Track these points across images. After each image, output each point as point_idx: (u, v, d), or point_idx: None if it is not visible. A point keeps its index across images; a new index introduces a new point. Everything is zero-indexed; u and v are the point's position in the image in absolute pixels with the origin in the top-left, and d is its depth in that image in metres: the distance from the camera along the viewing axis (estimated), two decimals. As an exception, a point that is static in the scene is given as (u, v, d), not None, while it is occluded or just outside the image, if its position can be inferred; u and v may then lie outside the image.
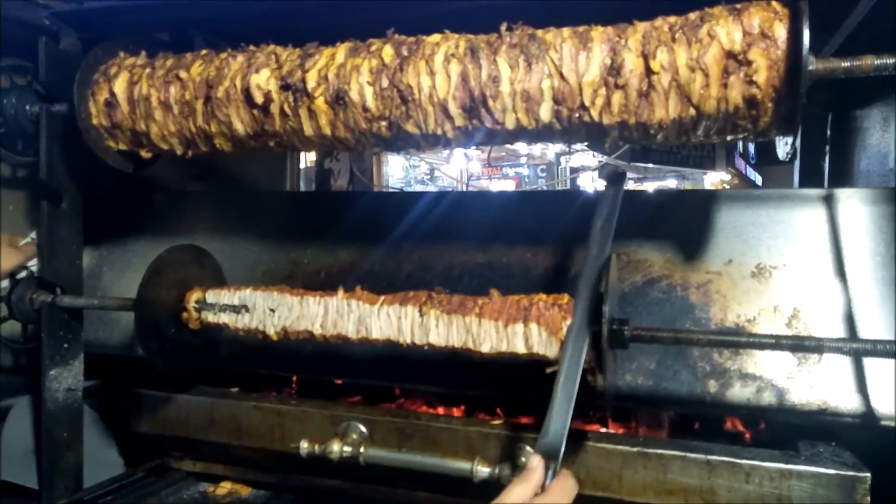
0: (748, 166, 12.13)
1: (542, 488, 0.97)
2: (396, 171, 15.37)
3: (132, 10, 1.53)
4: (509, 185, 16.63)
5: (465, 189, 12.87)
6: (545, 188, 14.33)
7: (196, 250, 1.58)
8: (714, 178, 13.01)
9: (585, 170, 15.55)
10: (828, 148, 2.16)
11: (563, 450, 1.00)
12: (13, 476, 1.68)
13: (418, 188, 14.84)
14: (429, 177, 16.30)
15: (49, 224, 1.62)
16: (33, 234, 1.73)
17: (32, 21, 1.52)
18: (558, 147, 14.47)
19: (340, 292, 1.37)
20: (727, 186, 12.40)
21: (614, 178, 1.36)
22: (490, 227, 1.65)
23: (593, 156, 14.24)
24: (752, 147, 11.72)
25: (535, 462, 0.98)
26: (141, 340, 1.44)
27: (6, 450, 1.71)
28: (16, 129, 1.59)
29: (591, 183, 14.78)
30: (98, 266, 1.95)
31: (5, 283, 1.65)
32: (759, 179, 12.08)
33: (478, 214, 1.75)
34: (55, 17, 1.55)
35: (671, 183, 14.26)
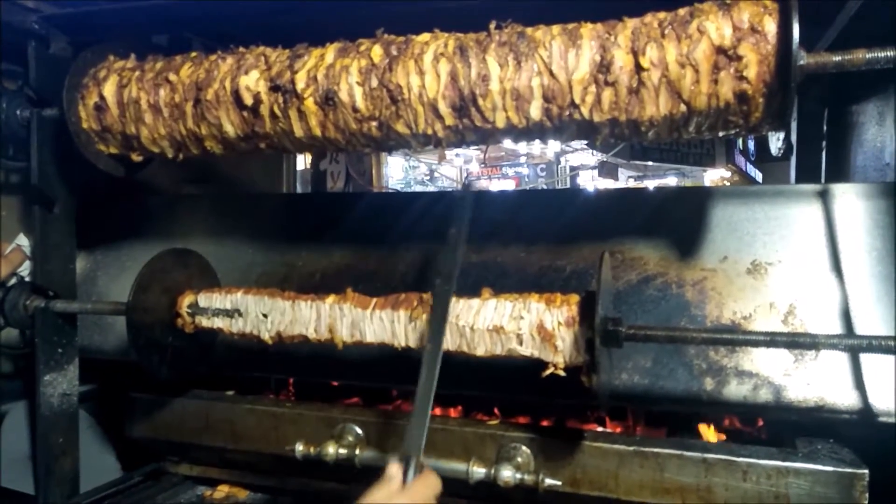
0: (748, 163, 12.11)
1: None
2: (396, 173, 15.34)
3: (121, 13, 1.52)
4: (509, 185, 16.58)
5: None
6: (545, 187, 14.33)
7: (178, 252, 1.55)
8: (714, 176, 12.98)
9: (585, 168, 15.53)
10: (824, 143, 2.15)
11: (422, 448, 1.04)
12: (10, 482, 1.68)
13: (418, 189, 14.83)
14: (428, 177, 16.29)
15: (42, 229, 1.62)
16: (18, 241, 1.72)
17: (22, 25, 1.52)
18: (558, 146, 14.45)
19: (331, 297, 1.35)
20: (727, 183, 12.37)
21: (466, 186, 1.39)
22: (485, 226, 1.64)
23: (592, 154, 14.23)
24: (751, 143, 11.70)
25: (393, 470, 1.01)
26: (138, 354, 1.43)
27: (2, 456, 1.71)
28: (7, 134, 1.58)
29: (591, 182, 14.76)
30: (93, 271, 1.94)
31: None
32: (759, 176, 12.05)
33: (473, 213, 1.74)
34: (45, 21, 1.54)
35: (671, 181, 14.21)
